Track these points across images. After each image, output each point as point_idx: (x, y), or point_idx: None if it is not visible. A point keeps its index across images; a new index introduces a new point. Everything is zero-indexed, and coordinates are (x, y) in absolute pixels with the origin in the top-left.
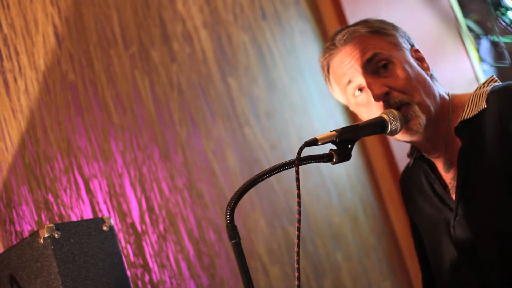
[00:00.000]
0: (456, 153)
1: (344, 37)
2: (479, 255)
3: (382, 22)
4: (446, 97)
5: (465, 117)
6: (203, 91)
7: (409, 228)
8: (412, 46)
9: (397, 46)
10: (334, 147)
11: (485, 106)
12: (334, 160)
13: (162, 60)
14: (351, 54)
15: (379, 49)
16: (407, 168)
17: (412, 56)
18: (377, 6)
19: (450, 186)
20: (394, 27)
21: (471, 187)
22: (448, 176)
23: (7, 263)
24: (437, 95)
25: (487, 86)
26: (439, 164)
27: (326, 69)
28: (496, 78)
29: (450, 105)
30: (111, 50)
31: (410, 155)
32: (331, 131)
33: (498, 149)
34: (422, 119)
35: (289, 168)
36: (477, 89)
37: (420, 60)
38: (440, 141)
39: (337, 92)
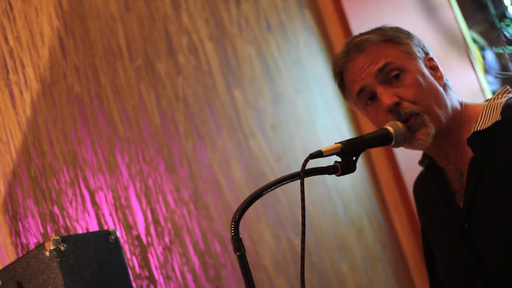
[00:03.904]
0: (467, 162)
1: (357, 45)
2: (486, 264)
3: (397, 30)
4: (459, 106)
5: (479, 128)
6: (209, 103)
7: (414, 238)
8: (427, 54)
9: (410, 55)
10: (339, 159)
11: (499, 119)
12: (339, 172)
13: (168, 72)
14: (363, 63)
15: (391, 58)
16: (420, 175)
17: (426, 65)
18: (382, 18)
19: (459, 194)
20: (409, 35)
21: (480, 197)
22: (458, 185)
23: (13, 275)
24: (449, 105)
25: (501, 97)
26: (450, 172)
27: (339, 75)
28: (511, 89)
29: (462, 115)
30: (116, 63)
31: (421, 162)
32: (336, 143)
33: (510, 164)
34: (431, 129)
35: (294, 180)
36: (491, 100)
37: (434, 69)
38: (451, 150)
39: (349, 98)
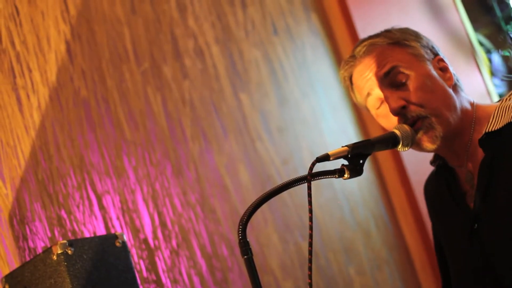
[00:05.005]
0: (478, 163)
1: (364, 49)
2: (496, 265)
3: (405, 32)
4: (469, 107)
5: (490, 129)
6: (215, 107)
7: (421, 241)
8: (436, 55)
9: (418, 57)
10: (346, 162)
11: (511, 120)
12: (346, 175)
13: (174, 76)
14: (370, 67)
15: (397, 62)
16: (431, 175)
17: (435, 66)
18: (388, 21)
19: (469, 195)
20: (417, 36)
21: (490, 198)
22: (469, 186)
23: (21, 280)
24: (459, 106)
25: None
26: (461, 173)
27: (348, 79)
28: None
29: (473, 116)
30: (123, 67)
31: (432, 162)
32: (342, 147)
33: None
34: (439, 131)
35: (301, 183)
36: (502, 101)
37: (444, 70)
38: (462, 151)
39: (359, 102)
